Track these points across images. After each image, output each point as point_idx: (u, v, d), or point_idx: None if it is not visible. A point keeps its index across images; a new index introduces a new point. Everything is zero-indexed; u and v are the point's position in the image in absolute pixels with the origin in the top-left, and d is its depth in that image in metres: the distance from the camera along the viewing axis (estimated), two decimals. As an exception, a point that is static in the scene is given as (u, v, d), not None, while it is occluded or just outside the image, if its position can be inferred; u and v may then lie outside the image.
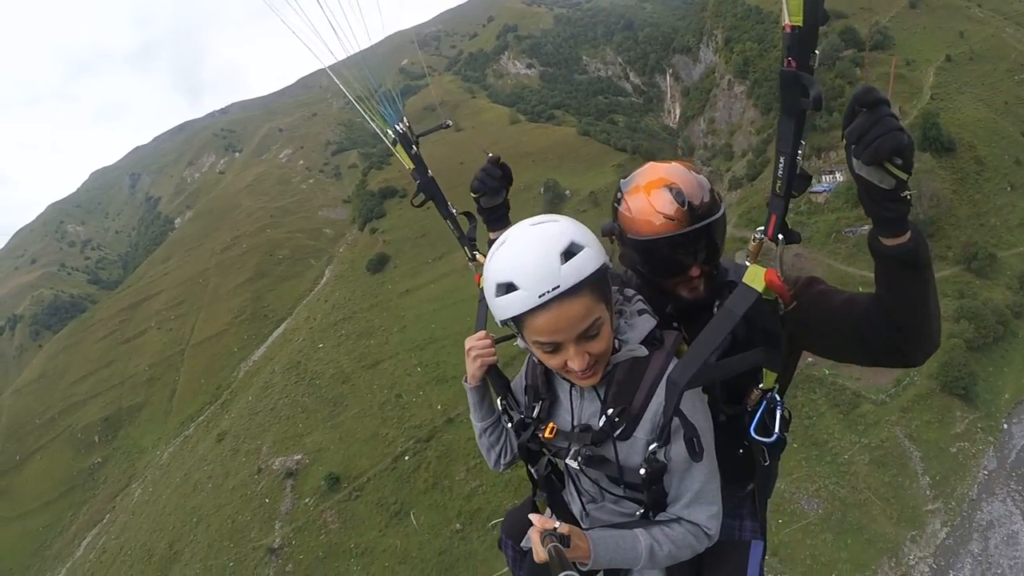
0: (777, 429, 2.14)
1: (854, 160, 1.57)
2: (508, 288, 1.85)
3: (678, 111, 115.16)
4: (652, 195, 2.20)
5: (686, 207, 2.14)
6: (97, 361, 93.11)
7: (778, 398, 2.17)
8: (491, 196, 2.66)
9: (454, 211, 2.87)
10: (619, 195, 2.33)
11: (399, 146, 2.82)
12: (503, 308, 1.90)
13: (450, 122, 3.10)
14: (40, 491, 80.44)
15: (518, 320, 1.91)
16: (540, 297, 1.80)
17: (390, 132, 2.78)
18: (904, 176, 1.54)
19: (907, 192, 1.58)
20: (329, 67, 2.61)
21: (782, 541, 29.88)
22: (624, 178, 2.35)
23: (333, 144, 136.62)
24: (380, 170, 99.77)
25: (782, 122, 1.69)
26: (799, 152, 1.71)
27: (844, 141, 1.58)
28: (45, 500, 78.67)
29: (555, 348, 1.93)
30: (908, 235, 1.66)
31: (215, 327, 74.58)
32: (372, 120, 2.79)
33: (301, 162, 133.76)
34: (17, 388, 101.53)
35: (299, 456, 39.49)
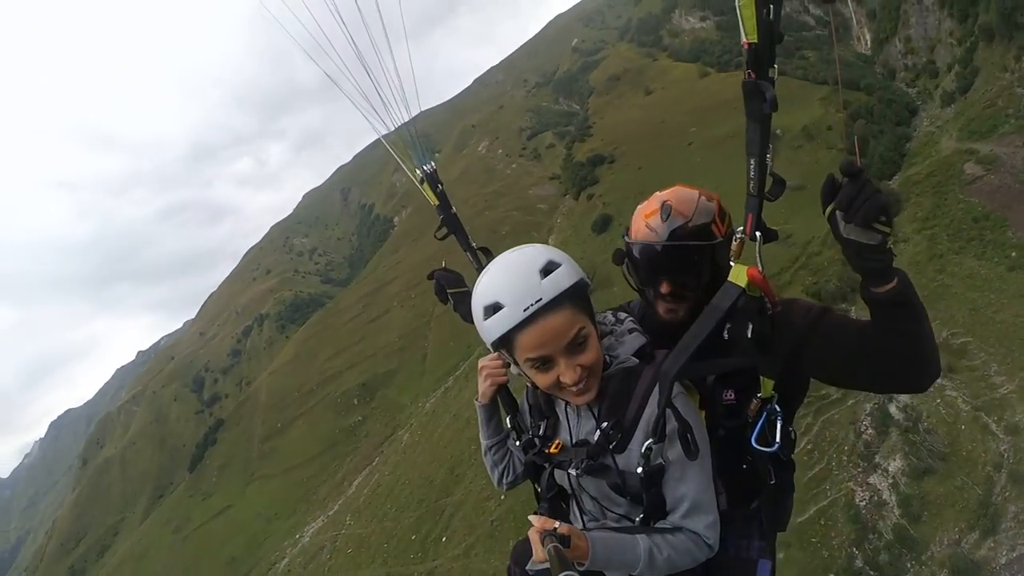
0: (778, 439, 2.24)
1: (842, 224, 1.74)
2: (494, 308, 1.99)
3: (868, 36, 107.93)
4: (648, 207, 2.44)
5: (666, 223, 2.35)
6: (348, 340, 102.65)
7: (778, 409, 2.26)
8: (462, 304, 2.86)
9: (474, 245, 2.99)
10: (637, 215, 2.53)
11: (426, 184, 3.05)
12: (492, 329, 2.02)
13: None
14: (303, 449, 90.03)
15: (508, 340, 2.03)
16: (524, 311, 1.94)
17: (419, 172, 3.01)
18: (888, 231, 1.70)
19: (889, 244, 1.75)
20: (362, 108, 2.77)
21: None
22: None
23: (526, 130, 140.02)
24: (583, 142, 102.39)
25: (748, 127, 1.88)
26: (767, 154, 1.90)
27: (825, 211, 1.77)
28: (309, 456, 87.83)
29: (545, 363, 2.04)
30: (895, 280, 1.81)
31: (441, 307, 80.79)
32: (403, 162, 3.02)
33: (500, 151, 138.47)
34: (273, 369, 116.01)
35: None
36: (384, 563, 44.04)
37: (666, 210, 2.35)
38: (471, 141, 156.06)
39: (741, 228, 2.06)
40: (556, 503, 2.48)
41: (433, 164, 3.01)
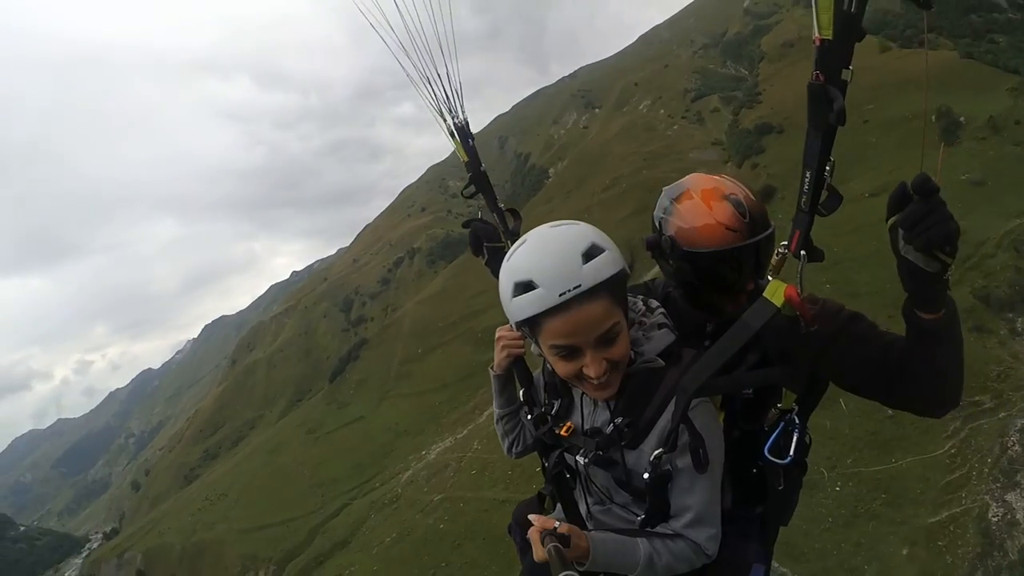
0: (792, 452, 2.15)
1: (902, 243, 1.61)
2: (527, 287, 1.86)
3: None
4: (711, 205, 2.19)
5: (747, 219, 2.16)
6: (494, 281, 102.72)
7: (796, 420, 2.18)
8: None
9: (502, 207, 2.86)
10: (667, 205, 2.34)
11: (456, 138, 2.89)
12: (520, 308, 1.89)
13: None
14: (439, 375, 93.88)
15: (534, 322, 1.91)
16: (560, 296, 1.80)
17: (450, 121, 2.84)
18: (950, 261, 1.58)
19: (948, 275, 1.64)
20: (396, 52, 2.63)
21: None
22: (668, 187, 2.41)
23: (691, 92, 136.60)
24: (751, 109, 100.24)
25: (809, 135, 1.68)
26: (827, 168, 1.71)
27: (888, 222, 1.64)
28: (444, 383, 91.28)
29: (571, 353, 1.93)
30: (943, 312, 1.73)
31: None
32: (432, 110, 2.81)
33: (662, 111, 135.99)
34: (420, 299, 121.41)
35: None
36: (505, 488, 46.42)
37: (741, 206, 2.19)
38: (632, 99, 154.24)
39: (785, 243, 1.97)
40: (563, 481, 2.35)
41: (466, 117, 2.87)
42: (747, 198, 2.20)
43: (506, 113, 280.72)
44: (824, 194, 1.77)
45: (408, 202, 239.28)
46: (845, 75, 1.54)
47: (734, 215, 2.16)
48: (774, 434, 2.17)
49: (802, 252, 1.85)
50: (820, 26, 1.50)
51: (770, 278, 1.97)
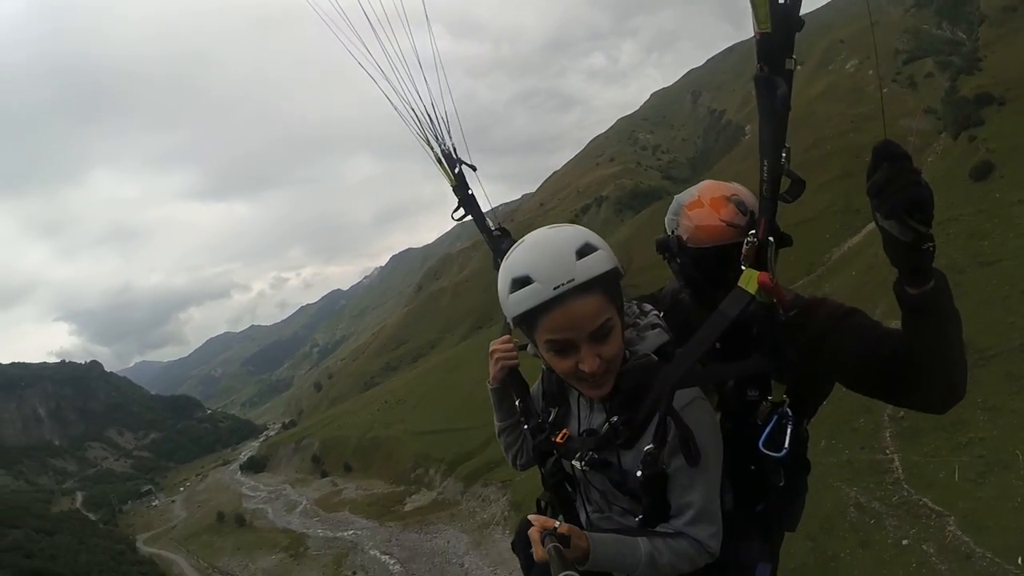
0: (787, 445, 2.12)
1: (874, 213, 1.56)
2: (524, 282, 1.91)
3: None
4: (716, 206, 2.29)
5: (748, 216, 2.24)
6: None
7: (789, 413, 2.15)
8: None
9: (492, 227, 2.92)
10: (678, 209, 2.43)
11: (443, 163, 2.95)
12: (517, 303, 1.93)
13: (475, 166, 3.02)
14: None
15: (531, 317, 1.94)
16: (555, 289, 1.85)
17: (436, 149, 2.92)
18: (923, 229, 1.53)
19: (928, 244, 1.57)
20: (378, 82, 2.69)
21: None
22: (679, 194, 2.50)
23: (902, 53, 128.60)
24: (970, 76, 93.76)
25: (761, 125, 1.73)
26: (783, 155, 1.73)
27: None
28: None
29: (566, 348, 1.96)
30: (931, 284, 1.67)
31: (806, 213, 76.25)
32: (419, 137, 2.88)
33: (870, 72, 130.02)
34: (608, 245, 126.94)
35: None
36: None
37: (742, 205, 2.27)
38: (838, 57, 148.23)
39: (753, 231, 1.94)
40: (562, 490, 2.38)
41: (453, 144, 2.91)
42: (750, 199, 2.30)
43: (700, 67, 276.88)
44: (788, 182, 1.83)
45: (597, 152, 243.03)
46: (789, 64, 1.59)
47: (735, 213, 2.25)
48: (767, 427, 2.14)
49: (770, 239, 1.90)
50: (758, 20, 1.53)
51: (743, 268, 1.95)
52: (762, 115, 1.71)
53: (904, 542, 23.05)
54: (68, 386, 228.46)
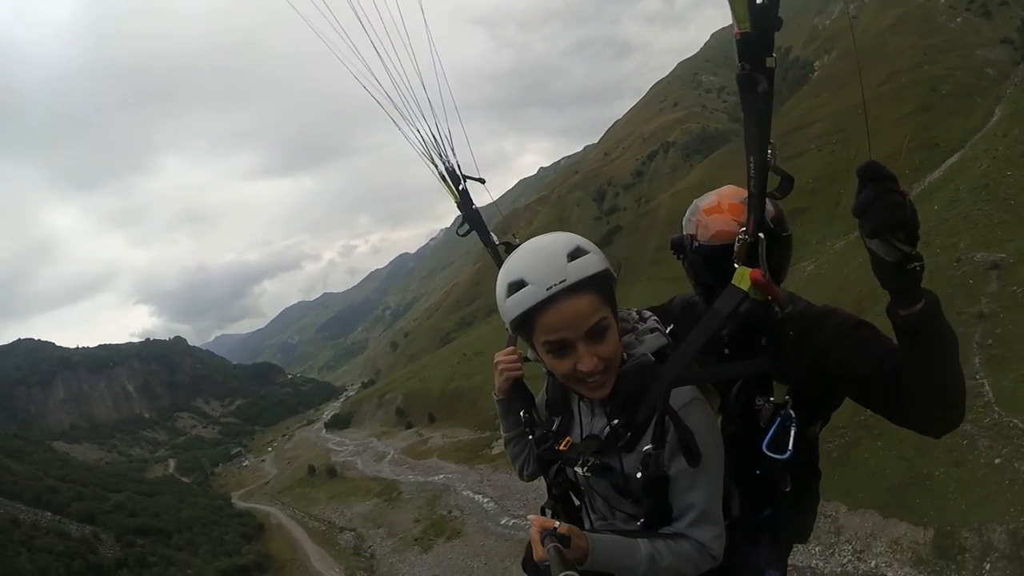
0: (791, 447, 2.10)
1: (862, 233, 1.59)
2: (519, 285, 1.96)
3: None
4: (730, 208, 2.37)
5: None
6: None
7: (792, 415, 2.14)
8: None
9: (495, 240, 2.93)
10: (696, 209, 2.49)
11: (446, 180, 2.95)
12: (513, 306, 1.98)
13: (484, 178, 3.02)
14: None
15: (528, 320, 1.98)
16: (548, 290, 1.90)
17: (441, 166, 2.91)
18: (907, 249, 1.55)
19: (914, 264, 1.58)
20: (382, 102, 2.68)
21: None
22: (699, 198, 2.55)
23: None
24: None
25: (745, 123, 1.73)
26: (769, 151, 1.76)
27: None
28: None
29: (563, 348, 1.99)
30: (920, 305, 1.67)
31: (881, 152, 76.61)
32: (422, 156, 2.88)
33: (942, 1, 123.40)
34: (676, 191, 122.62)
35: (1002, 255, 38.41)
36: None
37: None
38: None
39: (743, 229, 1.97)
40: (567, 499, 2.44)
41: (457, 161, 2.91)
42: (768, 205, 2.26)
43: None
44: (777, 179, 1.90)
45: (659, 97, 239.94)
46: (770, 62, 1.59)
47: (745, 213, 2.15)
48: (771, 430, 2.14)
49: (759, 235, 1.92)
50: (737, 20, 1.54)
51: (736, 266, 1.96)
52: (746, 112, 1.72)
53: (996, 461, 23.65)
54: (154, 362, 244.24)
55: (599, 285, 1.98)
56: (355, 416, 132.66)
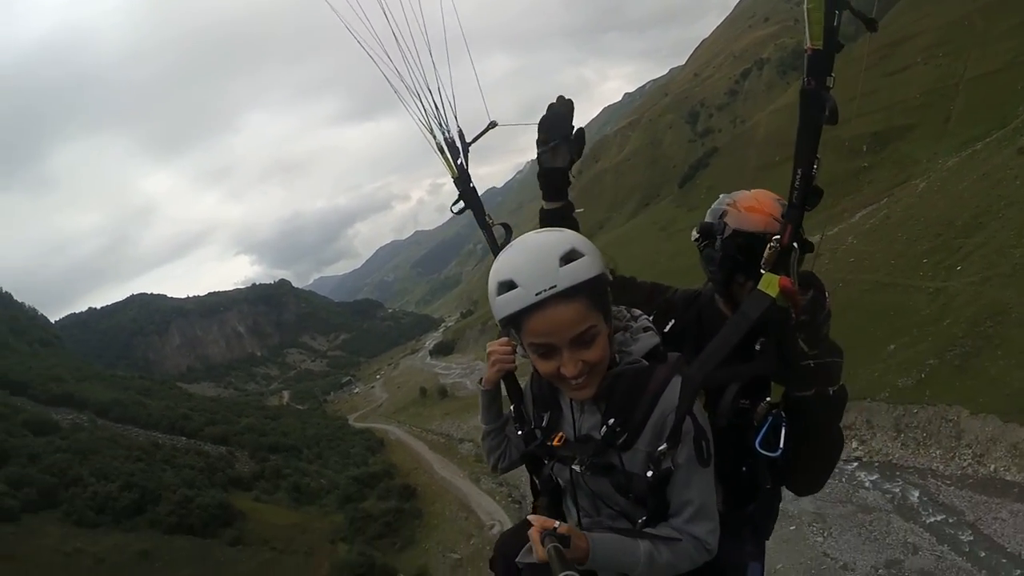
0: (782, 445, 2.18)
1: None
2: (508, 286, 1.92)
3: None
4: (765, 204, 2.43)
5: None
6: (859, 89, 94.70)
7: (783, 415, 2.21)
8: (552, 154, 2.63)
9: (491, 221, 2.73)
10: (732, 202, 2.51)
11: (445, 152, 2.73)
12: (502, 306, 1.96)
13: (496, 121, 2.70)
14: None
15: (516, 321, 1.97)
16: (536, 295, 1.87)
17: (439, 136, 2.69)
18: (807, 349, 1.90)
19: (807, 361, 1.92)
20: (379, 62, 2.47)
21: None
22: (729, 194, 2.59)
23: None
24: None
25: (800, 136, 1.81)
26: (814, 165, 1.84)
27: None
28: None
29: (548, 351, 1.97)
30: (810, 393, 2.02)
31: (991, 65, 72.26)
32: (420, 123, 2.67)
33: None
34: (774, 108, 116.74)
35: None
36: (888, 273, 44.67)
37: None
38: None
39: (777, 236, 2.00)
40: (556, 497, 2.41)
41: (460, 129, 2.68)
42: None
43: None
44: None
45: (747, 13, 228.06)
46: (829, 82, 1.73)
47: (782, 210, 2.22)
48: (764, 428, 2.19)
49: (794, 245, 1.96)
50: (812, 36, 1.63)
51: (763, 272, 2.01)
52: (803, 126, 1.79)
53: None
54: (261, 304, 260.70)
55: (591, 291, 1.94)
56: (458, 343, 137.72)
